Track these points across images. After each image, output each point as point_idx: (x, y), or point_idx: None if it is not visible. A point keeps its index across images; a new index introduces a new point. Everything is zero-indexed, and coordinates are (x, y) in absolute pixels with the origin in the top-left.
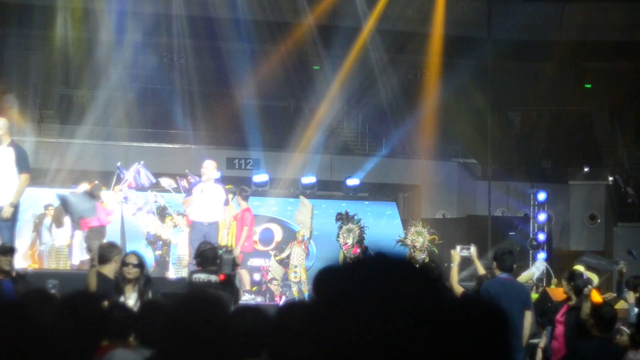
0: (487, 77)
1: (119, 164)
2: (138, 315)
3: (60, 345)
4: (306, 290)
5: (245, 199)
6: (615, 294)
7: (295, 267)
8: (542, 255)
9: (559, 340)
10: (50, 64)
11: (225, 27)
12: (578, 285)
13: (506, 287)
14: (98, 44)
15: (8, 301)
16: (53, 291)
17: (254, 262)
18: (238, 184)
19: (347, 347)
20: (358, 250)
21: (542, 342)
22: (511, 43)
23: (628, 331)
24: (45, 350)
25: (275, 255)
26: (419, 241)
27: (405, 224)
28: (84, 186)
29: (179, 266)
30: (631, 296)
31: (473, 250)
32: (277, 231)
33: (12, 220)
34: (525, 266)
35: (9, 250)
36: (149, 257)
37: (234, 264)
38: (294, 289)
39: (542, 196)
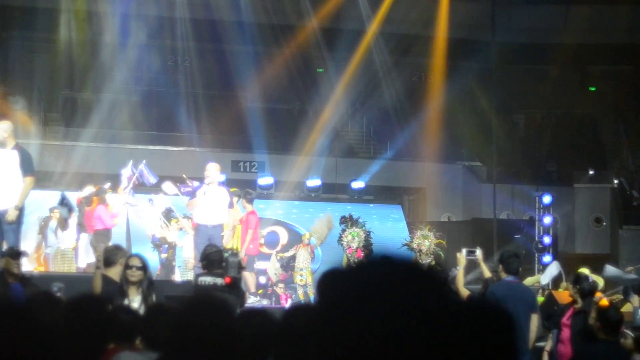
0: (492, 80)
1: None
2: (144, 318)
3: (67, 348)
4: (312, 294)
5: (250, 201)
6: (622, 296)
7: (301, 270)
8: (547, 258)
9: (565, 343)
10: (54, 66)
11: (229, 30)
12: (584, 289)
13: (512, 290)
14: (102, 47)
15: (16, 304)
16: (59, 294)
17: (260, 264)
18: (243, 186)
19: (353, 350)
20: (362, 254)
21: (548, 345)
22: (515, 45)
23: (632, 335)
24: (53, 353)
25: (277, 253)
26: (425, 245)
27: (411, 226)
28: (89, 189)
29: (185, 269)
30: (636, 300)
31: (479, 253)
32: (283, 234)
33: (17, 223)
34: (531, 269)
35: (19, 254)
36: (155, 260)
37: (240, 267)
38: (300, 292)
39: (547, 199)
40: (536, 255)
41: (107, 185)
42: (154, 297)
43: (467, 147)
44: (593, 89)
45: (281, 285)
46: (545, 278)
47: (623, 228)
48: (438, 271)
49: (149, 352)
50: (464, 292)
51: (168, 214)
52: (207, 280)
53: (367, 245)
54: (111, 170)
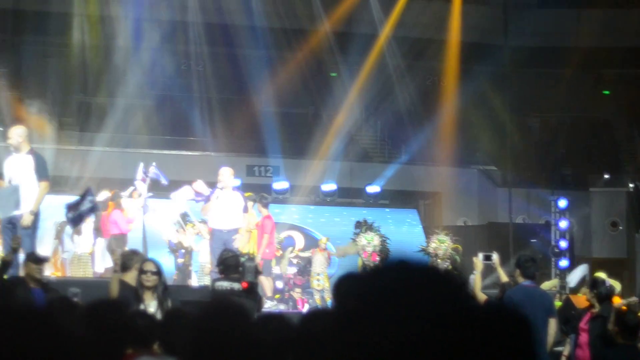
0: (505, 84)
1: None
2: (162, 323)
3: (85, 353)
4: (329, 298)
5: (266, 206)
6: (639, 299)
7: (318, 274)
8: (564, 263)
9: (583, 348)
10: (68, 71)
11: (242, 34)
12: (601, 293)
13: (529, 295)
14: (115, 51)
15: (36, 309)
16: (75, 299)
17: (277, 269)
18: (258, 191)
19: (371, 355)
20: (377, 258)
21: (566, 350)
22: (528, 49)
23: None
24: (72, 359)
25: (294, 250)
26: (441, 249)
27: (427, 231)
28: (105, 194)
29: (201, 274)
30: None
31: (495, 257)
32: (299, 238)
33: (33, 228)
34: (547, 274)
35: (41, 259)
36: (170, 264)
37: (257, 272)
38: (317, 296)
39: (562, 203)
40: (552, 259)
41: (129, 190)
42: (169, 303)
43: (482, 151)
44: (607, 92)
45: (298, 290)
46: (573, 280)
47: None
48: (456, 275)
49: (167, 358)
50: (481, 296)
51: (184, 219)
52: (224, 285)
53: (383, 249)
54: (126, 175)
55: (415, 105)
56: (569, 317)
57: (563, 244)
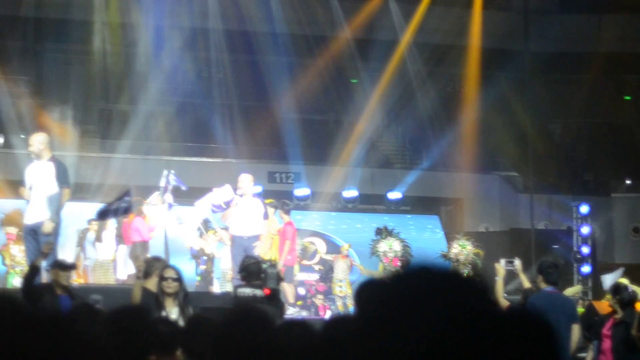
0: (526, 89)
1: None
2: (184, 329)
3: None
4: (351, 305)
5: (287, 212)
6: None
7: (340, 281)
8: (586, 269)
9: (607, 354)
10: (89, 78)
11: (263, 41)
12: (623, 299)
13: (552, 301)
14: (136, 58)
15: (61, 316)
16: (98, 306)
17: (300, 276)
18: (279, 198)
19: None
20: (398, 263)
21: (589, 356)
22: (549, 55)
23: None
24: None
25: (320, 252)
26: (462, 254)
27: (448, 237)
28: (111, 206)
29: (223, 280)
30: None
31: (518, 263)
32: (321, 245)
33: (54, 234)
34: (569, 280)
35: (69, 266)
36: (191, 271)
37: (279, 278)
38: (339, 303)
39: (584, 209)
40: (575, 265)
41: (152, 196)
42: (190, 309)
43: (504, 157)
44: (628, 97)
45: (320, 296)
46: (608, 283)
47: None
48: (478, 280)
49: None
50: (503, 302)
51: (205, 225)
52: (246, 291)
53: (404, 254)
54: (148, 182)
55: (437, 111)
56: (591, 323)
57: (585, 249)
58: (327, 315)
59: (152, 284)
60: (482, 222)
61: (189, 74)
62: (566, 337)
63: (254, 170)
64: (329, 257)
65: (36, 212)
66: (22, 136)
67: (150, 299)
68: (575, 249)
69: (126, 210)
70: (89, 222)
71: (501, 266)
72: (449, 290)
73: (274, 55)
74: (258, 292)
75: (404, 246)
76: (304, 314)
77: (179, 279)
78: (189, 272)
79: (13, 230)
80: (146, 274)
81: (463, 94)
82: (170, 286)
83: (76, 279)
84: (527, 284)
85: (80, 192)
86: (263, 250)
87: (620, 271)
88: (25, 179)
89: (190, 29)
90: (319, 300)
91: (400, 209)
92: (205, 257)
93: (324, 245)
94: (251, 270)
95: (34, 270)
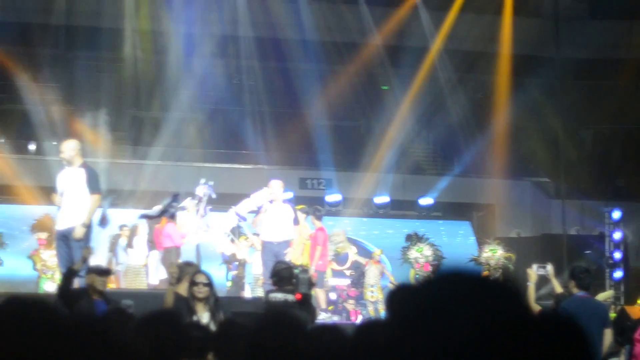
0: (557, 96)
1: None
2: (216, 334)
3: None
4: (382, 310)
5: (319, 218)
6: None
7: (372, 286)
8: (618, 274)
9: (638, 358)
10: (120, 85)
11: (293, 48)
12: None
13: (585, 306)
14: (167, 65)
15: (95, 320)
16: (129, 311)
17: (331, 281)
18: (311, 204)
19: None
20: (429, 268)
21: None
22: (580, 61)
23: None
24: None
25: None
26: (493, 258)
27: (480, 243)
28: (158, 208)
29: (255, 285)
30: None
31: (550, 268)
32: (352, 251)
33: (85, 240)
34: (601, 285)
35: (105, 271)
36: (222, 276)
37: (310, 283)
38: (370, 308)
39: (616, 214)
40: (607, 270)
41: (186, 202)
42: (221, 314)
43: (535, 163)
44: None
45: (351, 301)
46: None
47: None
48: (511, 284)
49: None
50: (535, 307)
51: (236, 231)
52: (278, 296)
53: (436, 259)
54: (179, 189)
55: (468, 117)
56: (624, 328)
57: (617, 255)
58: (359, 320)
59: (183, 289)
60: (514, 227)
61: (219, 81)
62: (598, 342)
63: (286, 176)
64: (361, 259)
65: (67, 218)
66: (54, 143)
67: (182, 304)
68: (607, 254)
69: (173, 216)
70: (121, 227)
71: (533, 271)
72: (481, 294)
73: (304, 62)
74: (290, 297)
75: (435, 250)
76: (336, 318)
77: (209, 284)
78: (220, 277)
79: (43, 235)
80: (178, 279)
81: (494, 100)
82: (201, 291)
83: (108, 284)
84: (559, 289)
85: (111, 198)
86: (295, 256)
87: None
88: (56, 185)
89: (221, 36)
90: (350, 305)
91: (432, 214)
92: (237, 263)
93: (356, 251)
94: (283, 275)
95: (71, 275)
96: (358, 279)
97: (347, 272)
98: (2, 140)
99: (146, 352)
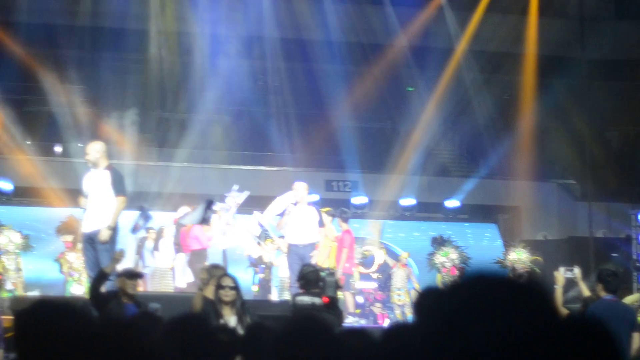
0: (583, 97)
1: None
2: (244, 337)
3: None
4: (409, 313)
5: (346, 220)
6: None
7: (399, 289)
8: None
9: None
10: (146, 87)
11: (319, 49)
12: None
13: (612, 309)
14: (193, 66)
15: (120, 322)
16: (157, 314)
17: (359, 284)
18: (337, 206)
19: None
20: (456, 272)
21: None
22: (605, 62)
23: None
24: None
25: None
26: (519, 262)
27: (506, 245)
28: (184, 209)
29: (282, 288)
30: None
31: (577, 271)
32: (378, 253)
33: (111, 243)
34: (629, 288)
35: (136, 275)
36: (248, 279)
37: (337, 286)
38: (397, 311)
39: None
40: (634, 273)
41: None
42: (248, 317)
43: (561, 165)
44: None
45: (378, 304)
46: None
47: None
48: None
49: None
50: (563, 311)
51: (263, 234)
52: (305, 300)
53: (462, 262)
54: (205, 191)
55: (494, 119)
56: None
57: None
58: (386, 323)
59: (210, 292)
60: (540, 230)
61: (245, 82)
62: (626, 345)
63: (311, 178)
64: (390, 260)
65: (93, 221)
66: (80, 145)
67: (209, 307)
68: (634, 257)
69: (207, 221)
70: (147, 230)
71: (560, 274)
72: (509, 298)
73: (330, 64)
74: (317, 300)
75: (460, 253)
76: (363, 322)
77: (235, 287)
78: (247, 280)
79: (69, 238)
80: (205, 282)
81: (520, 102)
82: (228, 294)
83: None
84: (586, 292)
85: (138, 200)
86: (321, 259)
87: None
88: (82, 187)
89: (246, 37)
90: (377, 308)
91: (458, 217)
92: (263, 265)
93: (382, 254)
94: (309, 278)
95: (101, 278)
96: (385, 282)
97: (374, 275)
98: (28, 142)
99: (174, 355)
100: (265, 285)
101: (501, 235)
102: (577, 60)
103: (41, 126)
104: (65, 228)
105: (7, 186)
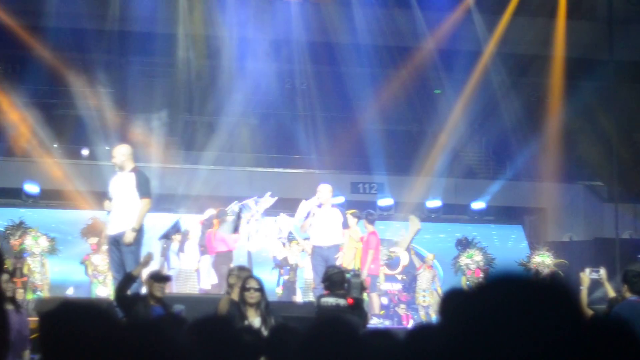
0: (611, 99)
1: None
2: (269, 338)
3: None
4: (433, 314)
5: (372, 222)
6: None
7: (424, 291)
8: None
9: None
10: (173, 90)
11: (346, 52)
12: None
13: (637, 310)
14: (220, 70)
15: (145, 324)
16: (182, 315)
17: (383, 285)
18: (363, 208)
19: None
20: (481, 273)
21: None
22: (634, 64)
23: None
24: None
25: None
26: (543, 265)
27: (532, 247)
28: (210, 212)
29: (306, 290)
30: None
31: (603, 272)
32: (404, 255)
33: (136, 244)
34: None
35: (164, 278)
36: (272, 281)
37: (362, 288)
38: (422, 312)
39: None
40: None
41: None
42: (272, 319)
43: (588, 167)
44: None
45: (403, 306)
46: None
47: None
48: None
49: None
50: (588, 312)
51: (288, 236)
52: (330, 301)
53: (487, 264)
54: (231, 193)
55: (521, 121)
56: None
57: None
58: (410, 324)
59: (235, 294)
60: (566, 231)
61: (272, 85)
62: None
63: (337, 180)
64: (417, 261)
65: (118, 223)
66: (107, 148)
67: (234, 309)
68: None
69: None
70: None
71: (586, 275)
72: (534, 299)
73: (357, 66)
74: (341, 302)
75: (485, 254)
76: (387, 323)
77: (260, 289)
78: (272, 282)
79: (94, 240)
80: (233, 286)
81: (547, 104)
82: (253, 296)
83: None
84: (612, 293)
85: (164, 203)
86: (346, 260)
87: None
88: (109, 190)
89: (274, 41)
90: (401, 309)
91: (484, 219)
92: (288, 267)
93: (407, 256)
94: (334, 279)
95: (128, 280)
96: (410, 283)
97: (399, 277)
98: (56, 146)
99: (198, 356)
100: (289, 286)
101: (527, 237)
102: (604, 63)
103: (69, 129)
104: (90, 230)
105: (33, 189)
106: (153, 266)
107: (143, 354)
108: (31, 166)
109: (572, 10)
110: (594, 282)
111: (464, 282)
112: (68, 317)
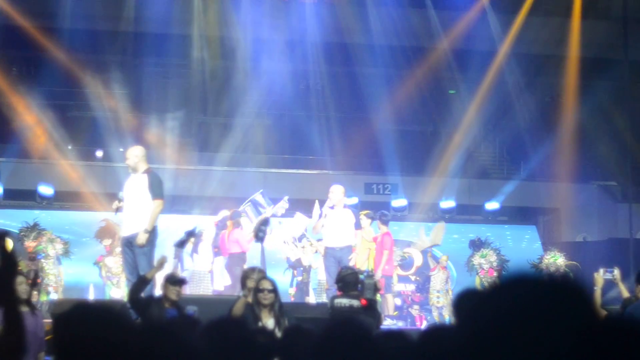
0: (626, 99)
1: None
2: (282, 340)
3: None
4: (447, 315)
5: (386, 223)
6: None
7: (438, 292)
8: None
9: None
10: (187, 91)
11: (361, 53)
12: None
13: None
14: (234, 71)
15: (158, 326)
16: (195, 316)
17: (397, 286)
18: (377, 209)
19: None
20: (494, 273)
21: None
22: None
23: None
24: None
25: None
26: (554, 266)
27: (546, 247)
28: (224, 213)
29: (320, 291)
30: None
31: (617, 273)
32: (417, 256)
33: (149, 246)
34: None
35: (180, 281)
36: (285, 282)
37: (376, 289)
38: (435, 313)
39: None
40: None
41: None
42: (286, 320)
43: (602, 167)
44: None
45: (416, 306)
46: None
47: None
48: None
49: None
50: (602, 312)
51: (301, 237)
52: (343, 302)
53: (500, 264)
54: (245, 194)
55: (535, 121)
56: None
57: None
58: (423, 325)
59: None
60: (580, 232)
61: (286, 85)
62: None
63: (351, 181)
64: (432, 262)
65: (131, 224)
66: (121, 149)
67: (248, 310)
68: None
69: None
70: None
71: (600, 275)
72: (547, 299)
73: (371, 67)
74: (355, 303)
75: (498, 254)
76: (400, 324)
77: (274, 291)
78: (285, 283)
79: (108, 242)
80: (244, 285)
81: (562, 104)
82: (266, 298)
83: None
84: (626, 293)
85: (178, 204)
86: (360, 261)
87: None
88: (122, 192)
89: (288, 41)
90: (415, 310)
91: (498, 219)
92: (301, 268)
93: (421, 257)
94: (348, 280)
95: (142, 283)
96: (423, 284)
97: (412, 278)
98: (70, 147)
99: (212, 358)
100: (303, 287)
101: (541, 237)
102: (620, 62)
103: (83, 131)
104: (104, 232)
105: (47, 190)
106: (167, 268)
107: (156, 356)
108: (45, 168)
109: (587, 9)
110: (608, 283)
111: (478, 282)
112: (82, 319)
